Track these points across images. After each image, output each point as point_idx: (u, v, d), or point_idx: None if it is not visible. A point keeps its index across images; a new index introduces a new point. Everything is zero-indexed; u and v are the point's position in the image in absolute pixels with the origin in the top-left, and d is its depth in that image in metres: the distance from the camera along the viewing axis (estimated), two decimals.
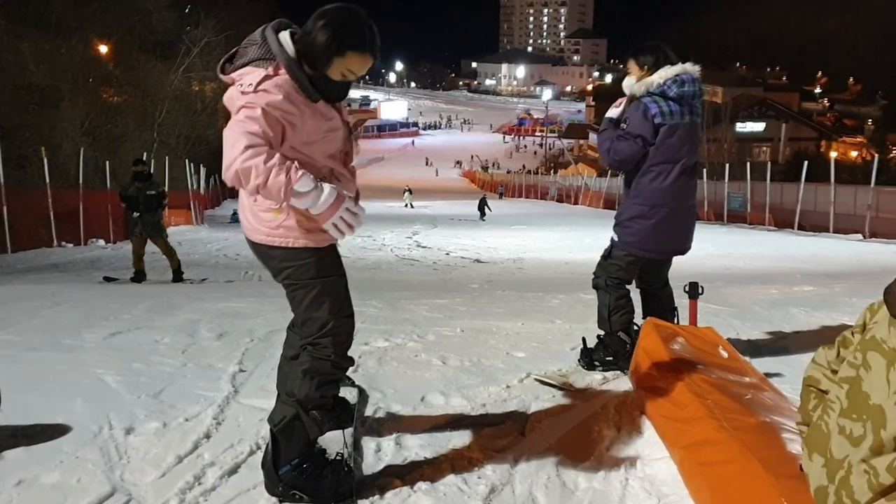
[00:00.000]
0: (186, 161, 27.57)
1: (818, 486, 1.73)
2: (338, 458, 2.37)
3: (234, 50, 2.24)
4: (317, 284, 2.24)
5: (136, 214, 9.37)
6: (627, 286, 3.64)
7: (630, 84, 3.51)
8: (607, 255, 3.68)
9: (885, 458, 1.53)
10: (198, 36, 33.70)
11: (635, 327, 3.58)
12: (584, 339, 3.81)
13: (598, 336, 3.72)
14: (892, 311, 1.57)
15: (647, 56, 3.51)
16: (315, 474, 2.27)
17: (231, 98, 2.14)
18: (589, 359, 3.68)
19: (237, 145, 2.00)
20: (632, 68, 3.54)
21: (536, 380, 3.46)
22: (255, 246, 2.29)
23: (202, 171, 30.77)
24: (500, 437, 2.74)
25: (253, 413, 2.91)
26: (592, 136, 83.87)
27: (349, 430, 2.62)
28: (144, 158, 11.64)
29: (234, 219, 25.46)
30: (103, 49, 31.02)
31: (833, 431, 1.70)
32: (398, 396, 3.14)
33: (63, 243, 15.58)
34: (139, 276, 9.41)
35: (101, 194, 18.40)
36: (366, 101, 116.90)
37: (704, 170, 31.05)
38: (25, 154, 19.71)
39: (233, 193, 41.84)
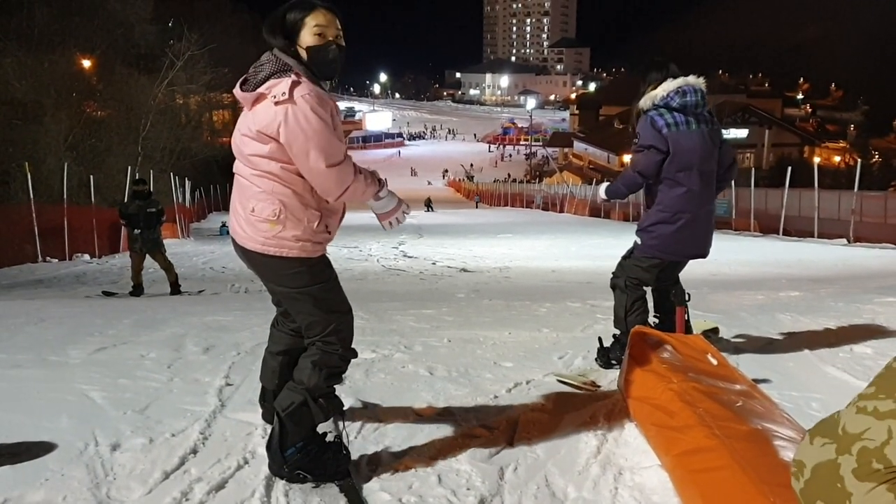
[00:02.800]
0: (171, 174, 27.43)
1: (819, 462, 1.75)
2: (336, 440, 2.56)
3: (244, 77, 2.37)
4: (312, 290, 2.41)
5: (136, 231, 9.71)
6: (644, 288, 3.84)
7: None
8: (628, 257, 3.89)
9: None
10: (181, 49, 33.56)
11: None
12: (600, 339, 3.98)
13: (614, 335, 3.90)
14: None
15: (651, 73, 3.73)
16: (318, 456, 2.43)
17: (266, 109, 2.26)
18: (606, 357, 3.87)
19: (340, 172, 2.28)
20: (642, 87, 3.75)
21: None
22: (247, 254, 2.41)
23: (187, 183, 30.63)
24: (488, 447, 2.72)
25: (240, 427, 2.88)
26: (577, 145, 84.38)
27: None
28: (144, 177, 11.92)
29: (223, 231, 25.36)
30: (86, 63, 30.87)
31: (848, 414, 1.73)
32: (386, 408, 3.12)
33: (48, 259, 15.44)
34: (137, 290, 9.73)
35: (85, 209, 18.28)
36: (350, 112, 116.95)
37: None
38: (8, 170, 19.56)
39: (218, 206, 41.71)
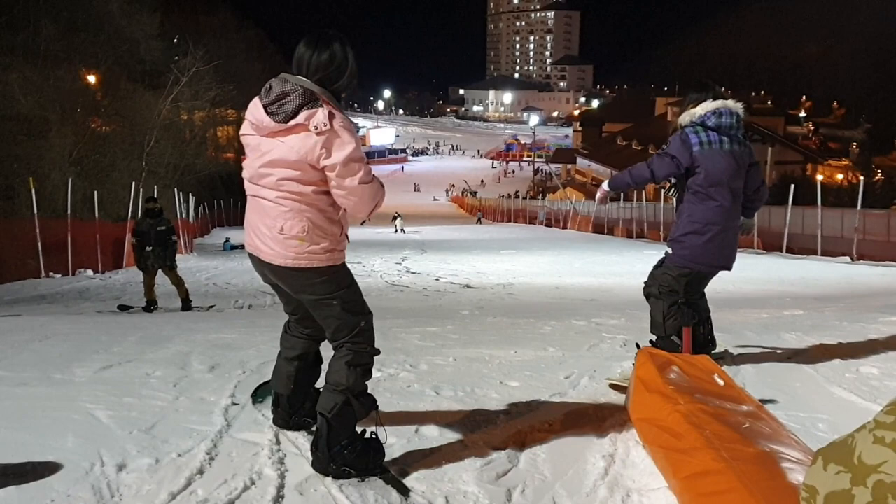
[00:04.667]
0: (175, 190, 27.52)
1: (833, 490, 1.73)
2: (373, 436, 2.69)
3: (263, 106, 2.52)
4: (341, 294, 2.64)
5: (147, 248, 9.98)
6: (677, 295, 3.98)
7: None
8: (659, 266, 4.09)
9: None
10: (186, 65, 33.78)
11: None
12: (637, 345, 4.06)
13: (651, 340, 4.04)
14: None
15: (693, 93, 4.01)
16: (362, 452, 2.61)
17: (305, 139, 2.45)
18: None
19: (370, 187, 2.53)
20: (683, 104, 4.03)
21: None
22: (276, 269, 2.61)
23: (191, 199, 30.73)
24: (495, 468, 2.72)
25: (246, 447, 2.87)
26: (580, 161, 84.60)
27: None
28: (154, 195, 12.09)
29: (227, 247, 25.39)
30: (91, 79, 31.06)
31: (864, 442, 1.71)
32: (392, 429, 3.11)
33: (51, 274, 15.46)
34: (150, 306, 9.98)
35: (89, 224, 18.32)
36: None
37: None
38: (13, 185, 19.63)
39: (222, 222, 41.78)
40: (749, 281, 13.06)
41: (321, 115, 2.43)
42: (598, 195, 4.44)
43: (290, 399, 2.98)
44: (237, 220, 45.04)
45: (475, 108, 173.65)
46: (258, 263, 2.68)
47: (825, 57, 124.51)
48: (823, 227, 19.31)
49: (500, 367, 4.32)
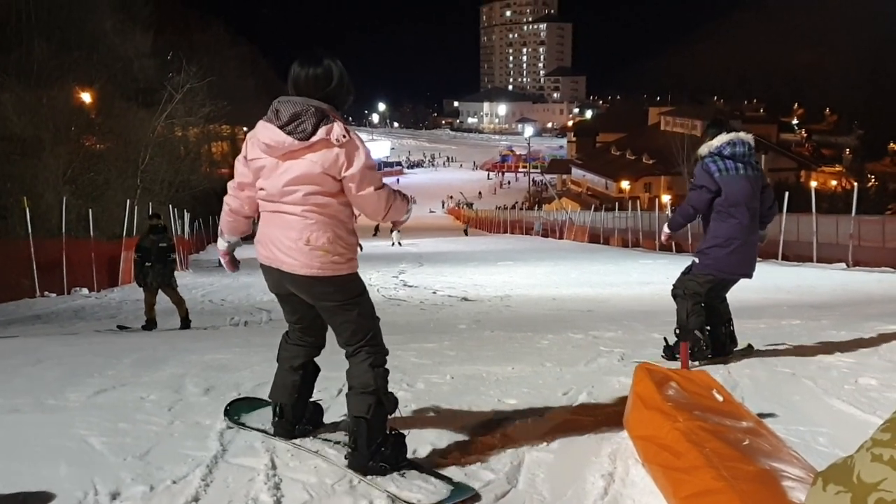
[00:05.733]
0: (170, 206, 27.48)
1: None
2: (394, 432, 2.83)
3: (280, 125, 2.67)
4: (358, 300, 2.83)
5: (147, 265, 9.97)
6: (700, 297, 4.67)
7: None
8: (687, 272, 4.81)
9: None
10: (180, 82, 33.80)
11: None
12: (665, 339, 4.91)
13: (676, 333, 4.75)
14: None
15: (710, 129, 4.71)
16: (395, 447, 2.77)
17: (327, 153, 2.65)
18: (671, 353, 4.78)
19: (384, 193, 2.75)
20: (703, 138, 4.72)
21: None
22: (300, 279, 2.74)
23: (186, 215, 30.68)
24: (494, 490, 2.68)
25: (242, 473, 2.84)
26: (575, 171, 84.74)
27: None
28: (156, 212, 12.17)
29: (221, 263, 25.34)
30: (85, 97, 31.07)
31: (862, 461, 1.70)
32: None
33: (45, 293, 15.41)
34: (150, 325, 9.93)
35: (84, 242, 18.27)
36: None
37: None
38: (6, 205, 19.58)
39: (216, 238, 41.75)
40: (746, 289, 13.00)
41: (338, 128, 2.64)
42: (663, 238, 5.39)
43: (294, 408, 3.08)
44: None
45: (470, 120, 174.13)
46: (275, 274, 2.81)
47: (817, 64, 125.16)
48: (819, 233, 19.33)
49: (497, 385, 4.29)
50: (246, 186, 2.89)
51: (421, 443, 3.17)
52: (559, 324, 8.05)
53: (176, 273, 10.64)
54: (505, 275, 17.60)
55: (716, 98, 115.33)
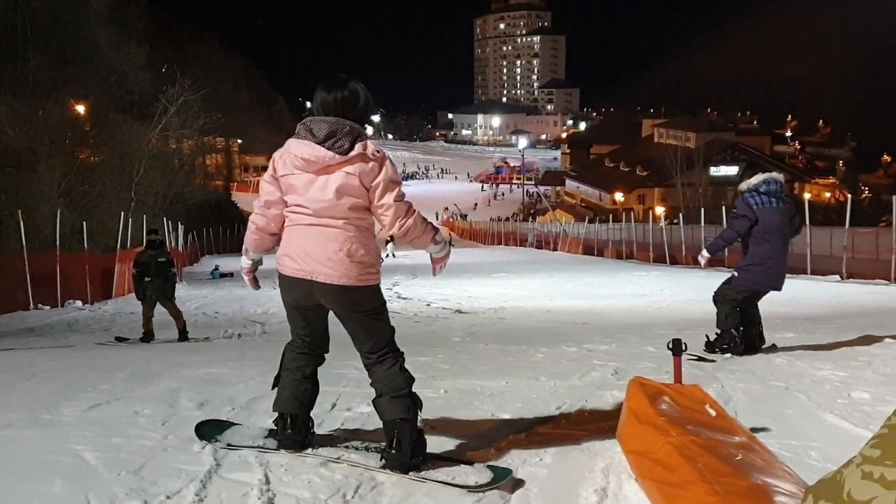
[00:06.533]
0: (164, 219, 27.46)
1: None
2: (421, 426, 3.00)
3: (318, 142, 2.83)
4: (383, 308, 3.03)
5: (146, 279, 10.10)
6: (736, 303, 5.67)
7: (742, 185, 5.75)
8: (725, 284, 5.80)
9: None
10: (174, 95, 33.86)
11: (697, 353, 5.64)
12: (707, 336, 5.88)
13: (717, 332, 5.79)
14: None
15: (748, 170, 5.82)
16: (424, 442, 2.98)
17: (364, 166, 2.82)
18: (712, 348, 5.75)
19: (404, 205, 2.89)
20: (744, 178, 5.75)
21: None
22: (335, 289, 2.86)
23: (180, 228, 30.64)
24: None
25: (236, 488, 2.84)
26: (569, 183, 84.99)
27: None
28: (153, 228, 12.40)
29: (216, 275, 25.28)
30: (80, 110, 31.09)
31: (852, 477, 1.70)
32: (369, 468, 3.08)
33: (39, 306, 15.36)
34: (147, 337, 10.05)
35: (78, 255, 18.24)
36: None
37: (681, 214, 31.51)
38: (1, 217, 19.54)
39: (210, 250, 41.66)
40: None
41: (371, 144, 2.85)
42: (703, 261, 6.34)
43: (304, 417, 3.12)
44: (226, 248, 44.94)
45: (464, 131, 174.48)
46: (307, 286, 2.90)
47: (810, 76, 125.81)
48: (812, 245, 19.36)
49: (491, 399, 4.30)
50: (272, 204, 2.99)
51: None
52: (553, 336, 8.06)
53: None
54: (499, 287, 17.61)
55: (709, 110, 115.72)
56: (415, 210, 2.94)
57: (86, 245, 18.81)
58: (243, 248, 3.24)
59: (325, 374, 3.26)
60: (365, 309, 2.93)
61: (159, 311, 10.31)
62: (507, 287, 17.56)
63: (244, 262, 3.25)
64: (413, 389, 2.98)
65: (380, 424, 3.69)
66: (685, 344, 3.53)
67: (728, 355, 5.59)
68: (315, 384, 3.15)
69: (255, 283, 3.32)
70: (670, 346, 3.53)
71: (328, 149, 2.79)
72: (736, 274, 5.74)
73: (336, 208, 2.83)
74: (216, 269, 26.43)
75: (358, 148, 2.80)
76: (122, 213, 21.45)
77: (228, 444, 3.28)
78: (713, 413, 3.11)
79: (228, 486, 2.87)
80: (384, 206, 2.85)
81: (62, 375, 5.37)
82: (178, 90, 34.01)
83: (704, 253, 6.18)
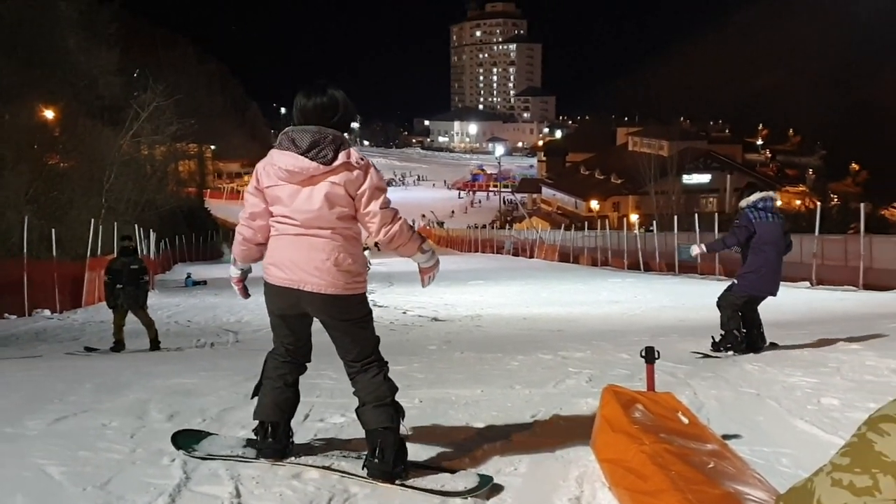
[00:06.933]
0: (136, 226, 27.12)
1: None
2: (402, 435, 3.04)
3: (301, 153, 2.82)
4: (369, 317, 3.04)
5: (119, 287, 9.92)
6: (737, 307, 6.32)
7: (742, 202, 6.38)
8: (728, 290, 6.42)
9: None
10: (146, 100, 33.52)
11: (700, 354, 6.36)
12: (713, 337, 6.51)
13: (721, 333, 6.40)
14: None
15: (748, 189, 6.49)
16: (405, 452, 2.96)
17: (349, 174, 2.83)
18: (718, 347, 6.38)
19: (390, 212, 2.89)
20: (744, 196, 6.39)
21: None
22: (324, 298, 2.87)
23: (152, 235, 30.30)
24: None
25: (205, 501, 2.79)
26: (546, 191, 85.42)
27: None
28: (127, 234, 12.19)
29: (188, 283, 25.03)
30: (49, 115, 30.65)
31: (822, 485, 1.73)
32: (356, 478, 3.04)
33: (6, 315, 15.07)
34: (118, 346, 9.84)
35: (46, 263, 17.91)
36: None
37: (655, 221, 31.78)
38: None
39: (183, 257, 41.24)
40: (712, 308, 13.16)
41: (355, 153, 2.85)
42: (696, 252, 6.95)
43: (285, 426, 3.12)
44: (199, 256, 44.53)
45: (441, 138, 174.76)
46: (294, 295, 2.90)
47: (781, 86, 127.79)
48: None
49: (466, 408, 4.28)
50: (258, 216, 2.99)
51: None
52: (529, 344, 8.06)
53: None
54: (476, 294, 17.62)
55: (682, 119, 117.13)
56: (401, 217, 2.94)
57: (54, 253, 18.49)
58: (231, 258, 3.28)
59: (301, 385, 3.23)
60: (351, 317, 2.95)
61: (130, 319, 10.14)
62: (483, 294, 17.57)
63: (233, 271, 3.27)
64: (396, 401, 2.98)
65: (355, 435, 3.67)
66: (658, 352, 3.53)
67: (731, 353, 6.21)
68: (296, 393, 3.14)
69: (245, 293, 3.32)
70: (643, 353, 3.54)
71: (312, 159, 2.78)
72: (736, 282, 6.37)
73: (323, 218, 2.84)
74: (189, 277, 26.17)
75: (342, 157, 2.81)
76: (93, 221, 21.14)
77: (208, 454, 3.24)
78: (686, 421, 3.11)
79: (198, 499, 2.82)
80: (370, 214, 2.86)
81: (27, 386, 5.25)
82: (150, 95, 33.69)
83: (703, 247, 6.90)
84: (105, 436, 3.68)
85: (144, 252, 27.37)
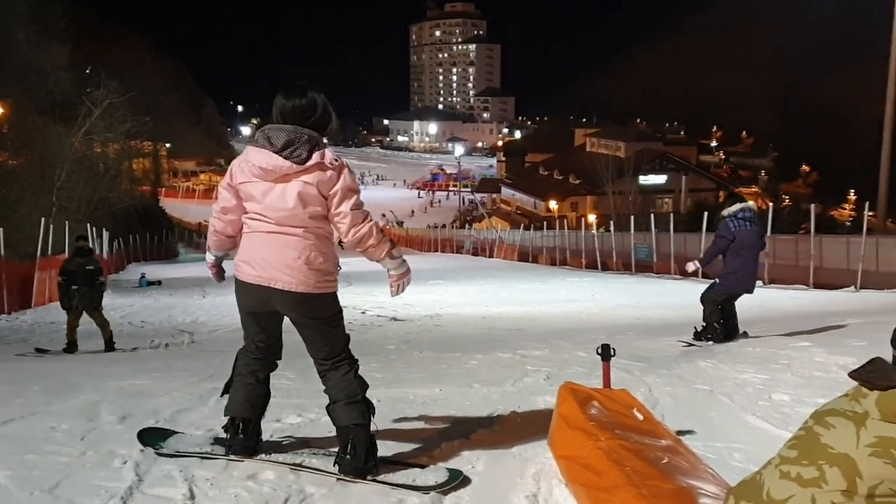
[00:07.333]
0: (88, 225, 26.49)
1: None
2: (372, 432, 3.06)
3: (275, 151, 2.84)
4: (340, 316, 3.05)
5: (74, 287, 9.75)
6: (717, 304, 7.10)
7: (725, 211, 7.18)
8: (710, 288, 7.23)
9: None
10: (99, 97, 32.78)
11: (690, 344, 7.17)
12: (695, 327, 7.32)
13: (703, 325, 7.22)
14: (870, 386, 1.75)
15: (730, 199, 7.43)
16: (375, 448, 3.00)
17: (321, 174, 2.85)
18: (699, 337, 7.21)
19: (361, 213, 2.93)
20: (726, 205, 7.25)
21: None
22: (293, 296, 2.89)
23: (105, 234, 29.66)
24: None
25: (158, 503, 2.74)
26: (505, 191, 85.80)
27: None
28: (82, 235, 11.95)
29: (143, 283, 24.55)
30: None
31: (770, 477, 1.78)
32: (312, 477, 3.02)
33: None
34: (71, 348, 9.65)
35: None
36: None
37: (612, 222, 32.16)
38: None
39: (137, 257, 40.47)
40: (667, 307, 13.43)
41: (330, 153, 2.87)
42: (692, 268, 7.63)
43: (256, 422, 3.16)
44: (153, 255, 43.75)
45: (400, 138, 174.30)
46: (265, 293, 2.92)
47: (734, 89, 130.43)
48: None
49: (424, 407, 4.28)
50: (229, 211, 3.03)
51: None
52: (488, 343, 8.09)
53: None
54: (435, 294, 17.61)
55: (638, 120, 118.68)
56: (372, 219, 2.97)
57: (2, 252, 17.98)
58: (206, 245, 3.34)
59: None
60: (322, 316, 2.97)
61: (84, 320, 9.94)
62: (443, 294, 17.57)
63: (209, 258, 3.33)
64: (366, 398, 3.02)
65: (312, 434, 3.65)
66: (613, 350, 3.57)
67: (711, 343, 7.03)
68: (267, 390, 3.17)
69: (220, 276, 3.37)
70: (599, 351, 3.57)
71: (286, 158, 2.81)
72: (717, 281, 7.15)
73: (296, 217, 2.86)
74: (143, 276, 25.64)
75: (315, 157, 2.83)
76: (43, 220, 20.59)
77: (176, 451, 3.23)
78: (641, 417, 3.16)
79: (151, 502, 2.77)
80: (341, 214, 2.89)
81: None
82: (103, 92, 32.94)
83: (696, 263, 7.62)
84: (54, 438, 3.59)
85: (97, 252, 26.78)
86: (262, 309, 3.01)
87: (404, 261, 3.12)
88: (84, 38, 42.61)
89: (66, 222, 22.98)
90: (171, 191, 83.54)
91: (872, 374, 1.76)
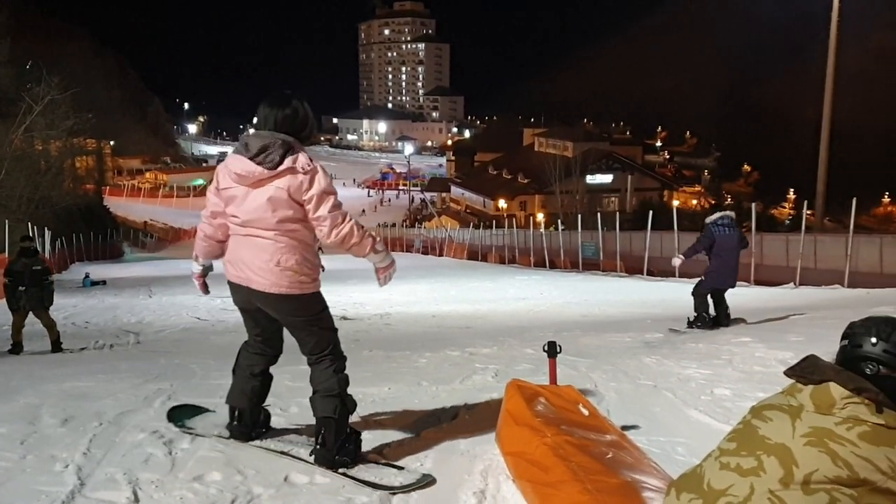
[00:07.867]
0: (29, 224, 25.70)
1: None
2: (354, 430, 3.18)
3: (250, 157, 2.92)
4: (321, 315, 3.13)
5: (21, 288, 9.56)
6: (704, 297, 8.23)
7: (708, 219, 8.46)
8: (697, 285, 8.36)
9: (791, 492, 1.72)
10: (40, 93, 31.81)
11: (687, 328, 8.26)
12: (688, 318, 8.35)
13: (694, 314, 8.26)
14: (804, 381, 1.86)
15: (712, 211, 8.72)
16: (355, 444, 3.11)
17: (293, 179, 2.90)
18: (691, 325, 8.23)
19: (340, 214, 2.98)
20: (710, 214, 8.59)
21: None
22: (269, 296, 3.01)
23: (47, 233, 28.83)
24: None
25: None
26: (455, 190, 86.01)
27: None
28: (27, 235, 11.72)
29: (86, 283, 23.92)
30: None
31: (710, 469, 1.87)
32: (259, 478, 3.01)
33: None
34: (16, 348, 9.45)
35: None
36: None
37: (559, 220, 32.55)
38: None
39: (80, 257, 39.42)
40: (613, 304, 13.66)
41: (303, 158, 2.93)
42: (677, 263, 8.85)
43: (252, 412, 3.34)
44: (98, 255, 42.66)
45: (349, 136, 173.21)
46: (245, 291, 3.06)
47: (677, 90, 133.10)
48: (680, 250, 20.39)
49: (373, 406, 4.28)
50: (218, 215, 3.15)
51: (292, 470, 3.11)
52: (437, 341, 8.13)
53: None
54: (385, 292, 17.47)
55: (585, 120, 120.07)
56: (351, 218, 3.04)
57: None
58: (193, 254, 3.41)
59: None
60: (301, 315, 3.07)
61: (29, 320, 9.68)
62: (392, 293, 17.50)
63: (194, 267, 3.42)
64: (347, 393, 3.13)
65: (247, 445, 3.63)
66: (560, 346, 3.64)
67: (699, 329, 8.03)
68: (263, 383, 3.34)
69: (205, 289, 3.50)
70: (546, 348, 3.63)
71: (258, 164, 2.90)
72: (703, 278, 8.31)
73: (265, 220, 2.95)
74: (87, 276, 24.98)
75: (287, 162, 2.89)
76: None
77: (192, 431, 3.52)
78: (586, 412, 3.22)
79: None
80: (320, 218, 2.95)
81: None
82: (44, 88, 31.98)
83: (681, 257, 8.69)
84: None
85: (39, 251, 25.99)
86: (249, 306, 3.17)
87: (388, 253, 3.26)
88: (24, 32, 41.27)
89: (6, 221, 22.26)
90: (116, 189, 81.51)
91: (807, 370, 1.87)
